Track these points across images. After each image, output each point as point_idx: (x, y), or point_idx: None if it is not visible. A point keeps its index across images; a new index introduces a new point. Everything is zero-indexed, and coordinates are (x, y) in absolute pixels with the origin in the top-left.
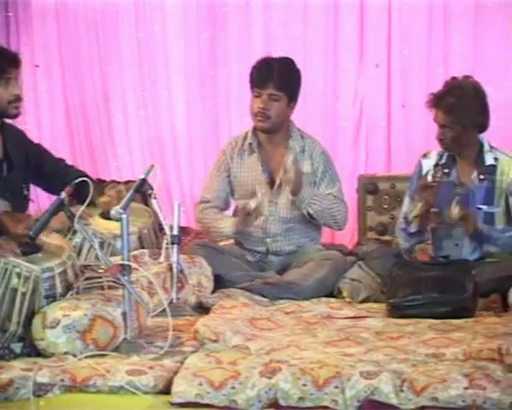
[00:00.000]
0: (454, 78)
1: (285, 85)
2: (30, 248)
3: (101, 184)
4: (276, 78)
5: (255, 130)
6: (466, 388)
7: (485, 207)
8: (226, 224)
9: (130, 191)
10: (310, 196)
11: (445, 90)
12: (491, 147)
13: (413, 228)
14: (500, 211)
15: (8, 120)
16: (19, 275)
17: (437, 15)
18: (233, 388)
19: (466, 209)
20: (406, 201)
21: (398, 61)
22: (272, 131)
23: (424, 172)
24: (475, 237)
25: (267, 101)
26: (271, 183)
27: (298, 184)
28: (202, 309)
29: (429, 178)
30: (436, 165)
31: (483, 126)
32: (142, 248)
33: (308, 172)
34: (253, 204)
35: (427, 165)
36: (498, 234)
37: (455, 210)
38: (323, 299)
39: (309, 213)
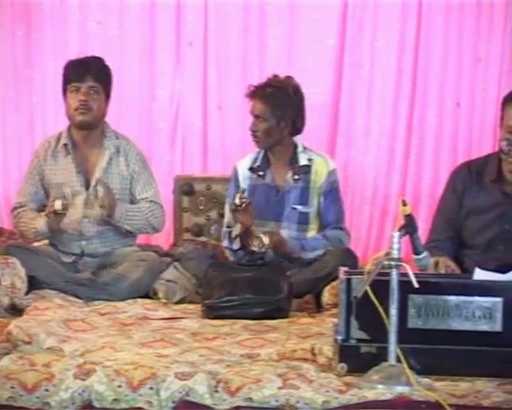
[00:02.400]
0: (276, 75)
1: (103, 79)
2: None
3: None
4: (94, 70)
5: (70, 130)
6: (280, 387)
7: (299, 208)
8: (40, 222)
9: None
10: (125, 213)
11: (266, 82)
12: (305, 148)
13: (235, 246)
14: (315, 211)
15: None
16: None
17: (253, 17)
18: (47, 390)
19: (275, 237)
20: (226, 210)
21: (215, 63)
22: (93, 126)
23: (240, 177)
24: (284, 257)
25: (88, 93)
26: (87, 184)
27: (111, 207)
28: (16, 311)
29: (237, 200)
30: (251, 168)
31: (298, 128)
32: None
33: (123, 174)
34: (58, 204)
35: (242, 169)
36: (309, 245)
37: (265, 240)
38: (139, 300)
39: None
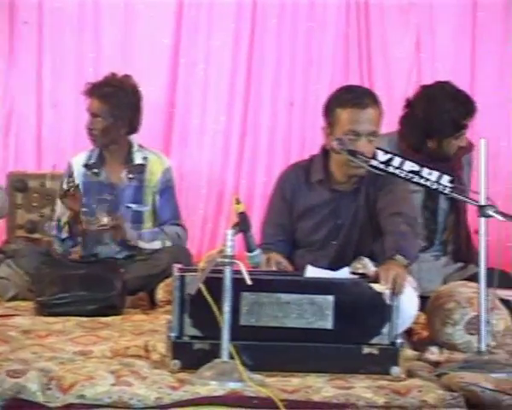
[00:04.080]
0: (113, 74)
1: None
2: None
3: None
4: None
5: None
6: (113, 384)
7: (134, 206)
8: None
9: None
10: None
11: (104, 81)
12: (141, 146)
13: (64, 234)
14: (149, 209)
15: None
16: None
17: (88, 15)
18: None
19: (114, 218)
20: (58, 203)
21: (49, 60)
22: None
23: (75, 172)
24: (121, 243)
25: None
26: None
27: None
28: None
29: (65, 185)
30: (86, 165)
31: (134, 127)
32: None
33: None
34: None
35: (77, 165)
36: (147, 235)
37: (103, 219)
38: None
39: None
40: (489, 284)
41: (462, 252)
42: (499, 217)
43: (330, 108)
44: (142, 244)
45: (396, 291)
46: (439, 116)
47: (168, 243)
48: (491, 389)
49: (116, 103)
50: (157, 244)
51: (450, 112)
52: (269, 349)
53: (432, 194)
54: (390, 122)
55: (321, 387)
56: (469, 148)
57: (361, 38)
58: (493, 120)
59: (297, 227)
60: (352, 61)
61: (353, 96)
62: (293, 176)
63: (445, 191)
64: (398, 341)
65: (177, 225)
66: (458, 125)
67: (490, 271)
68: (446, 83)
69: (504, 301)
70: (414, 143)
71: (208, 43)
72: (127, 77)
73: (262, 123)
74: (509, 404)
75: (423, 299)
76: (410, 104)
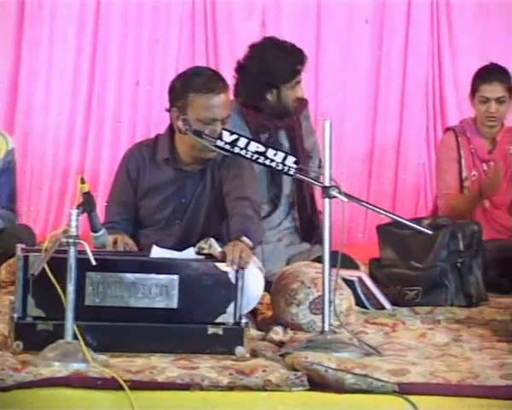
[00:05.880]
0: None
1: None
2: None
3: None
4: None
5: None
6: None
7: None
8: None
9: None
10: None
11: None
12: None
13: None
14: None
15: None
16: None
17: None
18: None
19: None
20: None
21: None
22: None
23: None
24: None
25: None
26: None
27: None
28: None
29: None
30: None
31: None
32: None
33: None
34: None
35: None
36: None
37: None
38: None
39: None
40: (333, 265)
41: (306, 228)
42: (343, 198)
43: (181, 92)
44: None
45: (241, 266)
46: (272, 65)
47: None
48: (334, 369)
49: None
50: None
51: (282, 58)
52: (114, 330)
53: None
54: None
55: (165, 367)
56: (305, 103)
57: (207, 17)
58: (337, 101)
59: (141, 205)
60: (197, 40)
61: (206, 81)
62: (138, 154)
63: (290, 172)
64: (243, 321)
65: (11, 209)
66: (293, 71)
67: (334, 253)
68: (272, 37)
69: (347, 282)
70: (254, 100)
71: (52, 22)
72: None
73: (107, 101)
74: (352, 383)
75: (268, 281)
76: (241, 66)
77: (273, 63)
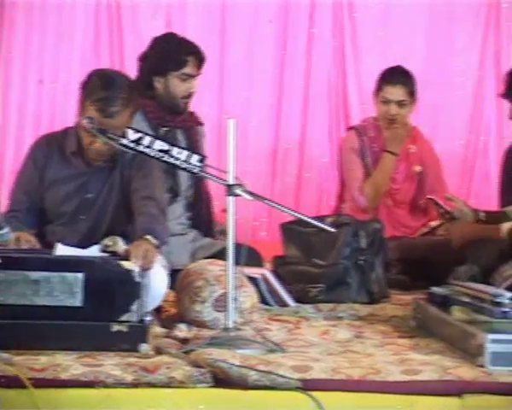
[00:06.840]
0: None
1: None
2: None
3: None
4: None
5: None
6: None
7: None
8: None
9: None
10: None
11: None
12: None
13: None
14: None
15: None
16: None
17: None
18: None
19: None
20: None
21: None
22: None
23: None
24: None
25: None
26: None
27: None
28: None
29: None
30: None
31: None
32: None
33: None
34: None
35: None
36: None
37: None
38: None
39: None
40: (237, 260)
41: (204, 225)
42: (247, 196)
43: (83, 97)
44: None
45: (145, 266)
46: (160, 52)
47: None
48: (237, 365)
49: None
50: None
51: (170, 46)
52: (17, 328)
53: None
54: None
55: (70, 365)
56: (201, 122)
57: (112, 15)
58: (242, 100)
59: (46, 196)
60: (102, 37)
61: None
62: (46, 144)
63: (195, 171)
64: (147, 318)
65: None
66: (179, 60)
67: (238, 247)
68: (173, 32)
69: (251, 279)
70: (144, 88)
71: None
72: None
73: (11, 100)
74: (256, 379)
75: (172, 274)
76: (143, 57)
77: (160, 50)
